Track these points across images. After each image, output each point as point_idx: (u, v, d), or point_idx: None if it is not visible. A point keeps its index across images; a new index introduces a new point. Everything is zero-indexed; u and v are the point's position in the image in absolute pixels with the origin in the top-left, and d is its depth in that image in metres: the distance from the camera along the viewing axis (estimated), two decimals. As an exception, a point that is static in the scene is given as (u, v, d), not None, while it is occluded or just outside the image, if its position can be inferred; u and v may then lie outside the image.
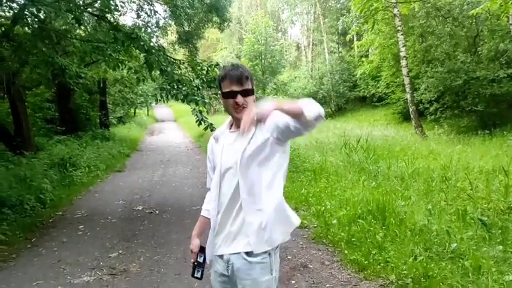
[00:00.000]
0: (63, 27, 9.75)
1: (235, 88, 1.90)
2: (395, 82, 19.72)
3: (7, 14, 8.77)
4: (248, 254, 1.88)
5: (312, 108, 1.74)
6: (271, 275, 1.91)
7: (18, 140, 10.35)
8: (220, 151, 2.00)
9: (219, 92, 2.01)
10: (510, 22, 13.77)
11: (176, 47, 17.68)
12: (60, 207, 7.14)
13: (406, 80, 15.10)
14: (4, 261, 4.65)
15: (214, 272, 2.03)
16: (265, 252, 1.89)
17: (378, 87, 21.98)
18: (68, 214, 6.79)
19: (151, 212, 6.79)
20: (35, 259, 4.72)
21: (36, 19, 7.55)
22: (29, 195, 6.83)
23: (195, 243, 2.17)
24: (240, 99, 1.90)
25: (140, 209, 7.05)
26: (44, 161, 9.42)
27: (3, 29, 7.51)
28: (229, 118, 2.09)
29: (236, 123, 2.00)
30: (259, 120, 1.74)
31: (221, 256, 1.97)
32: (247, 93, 1.92)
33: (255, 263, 1.88)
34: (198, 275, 2.15)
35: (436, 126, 15.54)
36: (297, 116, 1.74)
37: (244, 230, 1.89)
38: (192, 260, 2.17)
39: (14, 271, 4.36)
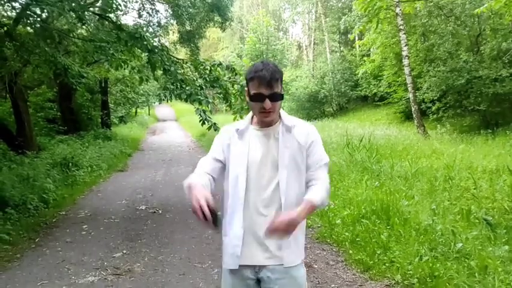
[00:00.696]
0: (65, 26, 9.75)
1: (264, 91, 1.76)
2: (397, 81, 19.67)
3: (9, 13, 8.79)
4: None
5: (323, 205, 1.83)
6: (304, 269, 1.94)
7: (21, 140, 10.34)
8: (247, 151, 1.84)
9: (246, 89, 1.88)
10: (513, 21, 13.76)
11: (178, 46, 17.64)
12: (63, 207, 7.14)
13: (408, 79, 15.07)
14: (8, 261, 4.64)
15: (235, 277, 1.89)
16: None
17: (380, 87, 21.91)
18: (71, 214, 6.79)
19: (155, 212, 6.79)
20: (39, 259, 4.72)
21: (38, 19, 7.55)
22: (32, 195, 6.84)
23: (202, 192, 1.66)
24: (268, 104, 1.76)
25: (143, 208, 7.05)
26: (46, 161, 9.42)
27: (5, 28, 7.51)
28: (249, 113, 1.96)
29: (259, 120, 1.89)
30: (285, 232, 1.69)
31: (250, 266, 1.87)
32: (276, 98, 1.78)
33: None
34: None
35: (438, 125, 15.51)
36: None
37: (281, 245, 1.84)
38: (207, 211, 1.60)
39: (18, 271, 4.36)
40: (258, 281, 1.88)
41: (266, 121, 1.84)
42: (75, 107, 15.94)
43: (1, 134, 10.88)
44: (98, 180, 9.71)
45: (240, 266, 1.85)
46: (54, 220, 6.39)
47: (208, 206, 1.58)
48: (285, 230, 1.66)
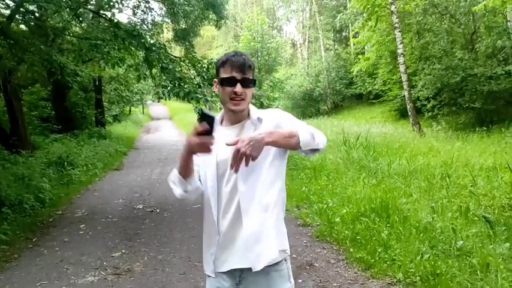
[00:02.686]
0: (60, 24, 9.66)
1: (236, 75, 1.71)
2: (393, 79, 19.71)
3: (3, 10, 8.68)
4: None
5: (312, 140, 1.66)
6: (290, 282, 1.80)
7: (15, 139, 10.25)
8: (215, 152, 1.70)
9: (215, 81, 1.82)
10: (508, 19, 13.84)
11: (172, 44, 17.55)
12: (59, 206, 7.08)
13: (404, 77, 15.09)
14: (6, 261, 4.59)
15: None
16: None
17: (375, 85, 21.95)
18: (68, 213, 6.73)
19: (152, 211, 6.74)
20: (37, 259, 4.67)
21: (32, 16, 7.46)
22: (28, 195, 6.78)
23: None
24: (239, 88, 1.70)
25: (141, 207, 7.00)
26: (41, 160, 9.36)
27: (-1, 26, 7.43)
28: (220, 112, 1.87)
29: (229, 117, 1.81)
30: (249, 156, 1.54)
31: (228, 272, 1.77)
32: (248, 83, 1.73)
33: (273, 272, 1.75)
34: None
35: (433, 123, 15.55)
36: (292, 148, 1.67)
37: (258, 239, 1.71)
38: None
39: (16, 271, 4.31)
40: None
41: (237, 110, 1.75)
42: (69, 106, 15.83)
43: (-5, 133, 10.78)
44: (93, 179, 9.64)
45: (217, 273, 1.79)
46: (51, 220, 6.33)
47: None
48: (249, 150, 1.53)
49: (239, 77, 1.72)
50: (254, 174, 1.72)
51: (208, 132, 1.53)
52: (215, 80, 1.84)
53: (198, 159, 1.77)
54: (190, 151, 1.62)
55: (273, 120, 1.79)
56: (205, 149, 1.55)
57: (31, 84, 13.78)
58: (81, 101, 17.78)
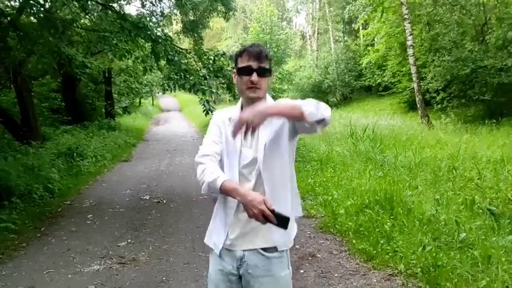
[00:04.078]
0: (69, 16, 9.73)
1: (253, 64, 1.78)
2: (402, 71, 19.57)
3: (12, 3, 8.77)
4: (265, 249, 1.81)
5: (317, 110, 1.63)
6: (288, 269, 1.87)
7: (25, 130, 10.38)
8: (240, 139, 1.79)
9: (233, 72, 1.90)
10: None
11: (181, 36, 17.55)
12: (68, 196, 7.18)
13: (413, 69, 14.99)
14: (15, 250, 4.69)
15: (219, 271, 1.87)
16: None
17: (384, 77, 21.81)
18: (76, 203, 6.83)
19: (159, 202, 6.82)
20: (44, 248, 4.76)
21: (41, 8, 7.53)
22: (37, 185, 6.88)
23: (258, 196, 1.63)
24: (255, 77, 1.77)
25: (147, 198, 7.08)
26: (51, 151, 9.47)
27: (9, 18, 7.50)
28: (239, 102, 1.94)
29: (248, 106, 1.82)
30: (251, 123, 1.56)
31: (232, 252, 1.84)
32: (264, 72, 1.80)
33: (273, 258, 1.81)
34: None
35: (442, 115, 15.45)
36: (295, 118, 1.65)
37: (266, 225, 1.71)
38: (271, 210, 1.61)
39: (24, 260, 4.40)
40: (241, 278, 1.85)
41: (253, 97, 1.80)
42: (79, 97, 15.94)
43: (6, 124, 10.91)
44: (102, 170, 9.75)
45: (223, 252, 1.84)
46: (59, 209, 6.43)
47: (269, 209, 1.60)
48: (251, 118, 1.55)
49: (255, 66, 1.79)
50: (275, 159, 1.80)
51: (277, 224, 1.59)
52: (234, 70, 1.91)
53: (220, 138, 1.88)
54: (243, 203, 1.65)
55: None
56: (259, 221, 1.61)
57: (41, 76, 13.91)
58: (91, 92, 17.91)
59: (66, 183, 7.83)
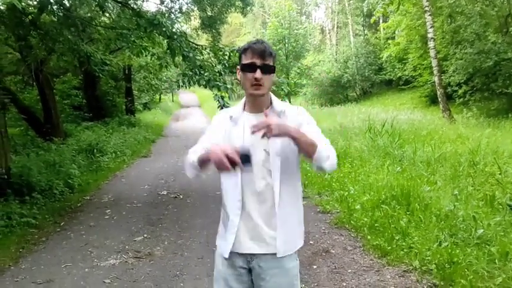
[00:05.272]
0: (88, 14, 9.88)
1: (257, 61, 1.78)
2: (423, 64, 19.20)
3: (34, 2, 8.93)
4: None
5: (325, 160, 1.72)
6: (297, 260, 1.91)
7: (48, 127, 10.62)
8: (242, 136, 1.83)
9: (237, 68, 1.91)
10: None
11: (199, 32, 17.64)
12: (87, 192, 7.32)
13: (434, 62, 14.69)
14: (35, 244, 4.81)
15: (228, 265, 1.89)
16: None
17: (405, 70, 21.45)
18: (95, 199, 6.96)
19: (176, 197, 6.89)
20: (63, 242, 4.87)
21: (61, 7, 7.66)
22: (58, 181, 7.04)
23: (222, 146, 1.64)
24: (258, 74, 1.77)
25: (165, 193, 7.16)
26: (72, 147, 9.68)
27: (30, 17, 7.65)
28: (242, 99, 1.96)
29: (251, 103, 1.89)
30: (271, 129, 1.59)
31: (241, 253, 1.86)
32: (268, 69, 1.80)
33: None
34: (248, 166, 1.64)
35: (464, 109, 15.13)
36: (307, 154, 1.72)
37: (278, 226, 1.81)
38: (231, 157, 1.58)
39: (43, 254, 4.51)
40: (250, 270, 1.87)
41: (256, 94, 1.82)
42: (100, 94, 16.21)
43: (29, 121, 11.20)
44: (121, 166, 9.90)
45: (231, 253, 1.86)
46: (78, 205, 6.57)
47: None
48: (273, 126, 1.58)
49: (259, 63, 1.79)
50: (290, 164, 1.83)
51: (236, 164, 1.59)
52: (238, 67, 1.91)
53: (220, 140, 1.87)
54: (210, 158, 1.65)
55: (297, 118, 1.87)
56: (223, 166, 1.58)
57: (63, 74, 14.18)
58: (112, 89, 18.17)
59: (86, 178, 7.99)
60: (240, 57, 1.89)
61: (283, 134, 1.63)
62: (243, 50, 1.85)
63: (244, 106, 1.93)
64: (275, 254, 1.82)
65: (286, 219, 1.83)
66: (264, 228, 1.81)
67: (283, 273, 1.84)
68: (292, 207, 1.87)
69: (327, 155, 1.72)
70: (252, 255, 1.84)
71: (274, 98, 1.92)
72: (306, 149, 1.71)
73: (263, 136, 1.60)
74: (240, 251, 1.85)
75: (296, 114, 1.88)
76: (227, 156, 1.57)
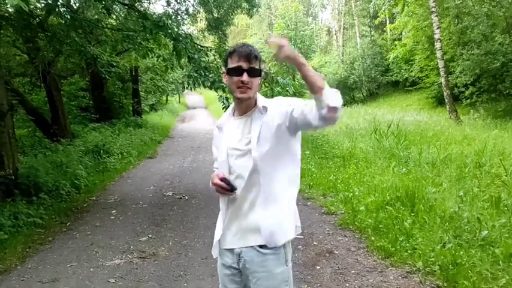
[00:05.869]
0: (95, 16, 9.95)
1: (243, 65, 1.79)
2: (430, 66, 19.14)
3: (41, 4, 9.03)
4: (261, 245, 1.83)
5: (335, 99, 1.60)
6: (286, 266, 1.88)
7: (55, 128, 10.71)
8: (225, 137, 1.92)
9: (223, 72, 1.93)
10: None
11: (206, 34, 17.68)
12: (94, 192, 7.38)
13: (441, 63, 14.64)
14: (41, 244, 4.87)
15: (222, 265, 1.95)
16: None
17: (411, 71, 21.39)
18: (101, 199, 7.01)
19: (181, 198, 6.92)
20: (69, 242, 4.91)
21: (69, 9, 7.73)
22: (65, 181, 7.11)
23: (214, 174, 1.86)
24: (245, 77, 1.78)
25: (170, 194, 7.20)
26: (79, 148, 9.75)
27: (38, 19, 7.73)
28: (231, 106, 2.00)
29: (238, 107, 1.92)
30: (282, 48, 1.61)
31: (230, 250, 1.90)
32: (254, 72, 1.81)
33: (269, 254, 1.83)
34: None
35: (471, 110, 15.05)
36: (313, 87, 1.59)
37: (258, 223, 1.82)
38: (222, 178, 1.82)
39: (50, 253, 4.56)
40: (241, 271, 1.91)
41: (243, 97, 1.83)
42: (107, 96, 16.30)
43: (37, 122, 11.30)
44: (128, 167, 9.95)
45: (221, 251, 1.94)
46: (85, 205, 6.62)
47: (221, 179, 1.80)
48: (286, 48, 1.61)
49: (245, 66, 1.80)
50: (269, 163, 1.83)
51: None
52: (223, 71, 1.93)
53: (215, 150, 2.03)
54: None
55: (278, 107, 1.84)
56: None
57: (70, 75, 14.29)
58: (119, 90, 18.26)
59: (93, 179, 8.05)
60: (225, 61, 1.90)
61: (293, 57, 1.61)
62: (229, 54, 1.87)
63: (234, 111, 1.97)
64: (262, 246, 1.82)
65: (273, 210, 1.83)
66: (248, 220, 1.84)
67: (269, 278, 1.83)
68: (282, 199, 1.86)
69: (335, 91, 1.62)
70: (239, 254, 1.87)
71: (259, 97, 1.91)
72: (313, 81, 1.60)
73: (274, 56, 1.63)
74: (226, 247, 1.90)
75: (276, 104, 1.85)
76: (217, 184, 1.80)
